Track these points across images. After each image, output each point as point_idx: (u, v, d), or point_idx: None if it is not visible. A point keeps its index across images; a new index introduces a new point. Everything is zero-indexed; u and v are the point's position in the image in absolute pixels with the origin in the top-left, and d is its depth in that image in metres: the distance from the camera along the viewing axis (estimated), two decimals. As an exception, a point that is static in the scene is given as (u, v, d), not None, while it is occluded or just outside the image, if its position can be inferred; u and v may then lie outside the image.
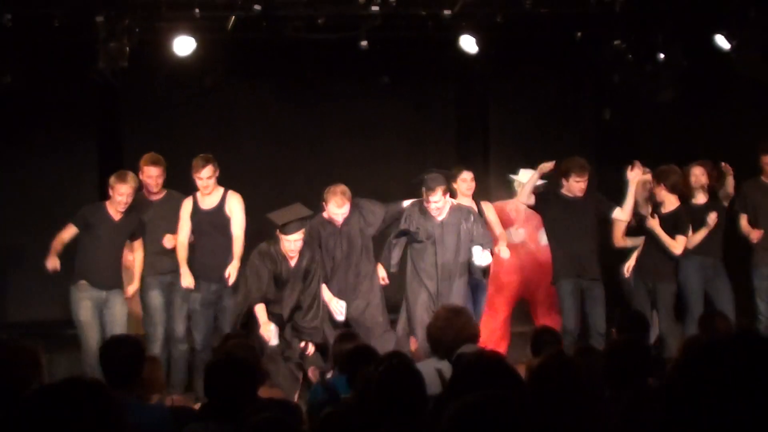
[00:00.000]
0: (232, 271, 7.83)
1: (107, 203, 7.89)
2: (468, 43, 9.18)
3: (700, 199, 8.38)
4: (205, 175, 7.90)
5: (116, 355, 4.65)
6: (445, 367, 5.11)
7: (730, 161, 8.41)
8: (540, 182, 8.39)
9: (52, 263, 7.70)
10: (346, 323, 7.74)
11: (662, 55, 9.07)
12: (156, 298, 8.10)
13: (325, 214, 7.82)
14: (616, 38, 9.20)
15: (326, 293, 7.71)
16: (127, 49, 8.12)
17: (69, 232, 7.87)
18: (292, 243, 7.42)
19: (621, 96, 9.91)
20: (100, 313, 7.81)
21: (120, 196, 7.75)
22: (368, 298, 7.91)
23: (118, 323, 7.77)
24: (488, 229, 8.16)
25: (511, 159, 10.32)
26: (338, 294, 7.79)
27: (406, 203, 8.04)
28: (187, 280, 7.92)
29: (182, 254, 7.97)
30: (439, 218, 7.79)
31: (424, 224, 7.78)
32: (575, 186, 8.14)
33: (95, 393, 2.68)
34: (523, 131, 10.84)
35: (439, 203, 7.72)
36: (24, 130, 10.02)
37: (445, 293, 7.72)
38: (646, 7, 8.87)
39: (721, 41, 8.72)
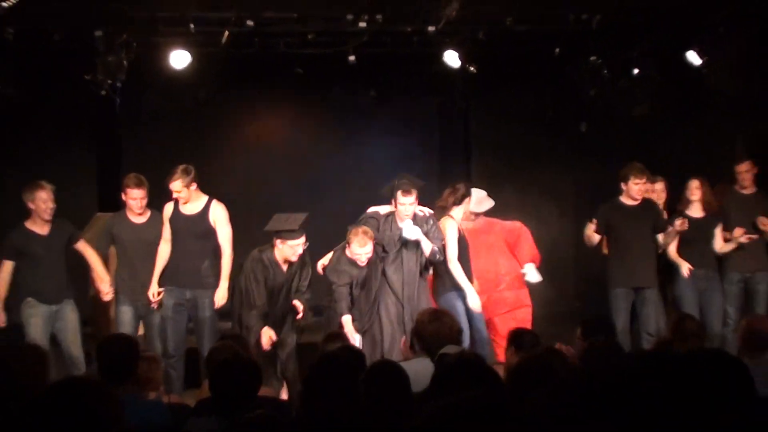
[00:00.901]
0: (221, 295, 7.68)
1: (27, 223, 7.60)
2: (452, 59, 9.32)
3: (696, 212, 8.37)
4: (175, 189, 7.66)
5: (110, 352, 4.65)
6: None
7: (702, 172, 8.52)
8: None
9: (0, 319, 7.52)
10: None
11: (637, 71, 9.25)
12: (125, 313, 7.84)
13: (348, 253, 7.56)
14: (592, 54, 9.35)
15: (348, 325, 7.45)
16: (125, 62, 8.24)
17: (6, 267, 7.60)
18: (295, 248, 7.38)
19: (597, 110, 9.98)
20: (51, 327, 7.60)
21: (43, 203, 7.48)
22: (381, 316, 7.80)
23: (70, 330, 7.57)
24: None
25: (492, 171, 10.45)
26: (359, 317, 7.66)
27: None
28: (150, 291, 7.75)
29: (159, 267, 7.80)
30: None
31: (393, 235, 7.74)
32: (634, 189, 8.16)
33: (96, 389, 3.01)
34: (504, 143, 10.94)
35: (413, 206, 7.67)
36: (24, 142, 10.05)
37: (413, 296, 7.71)
38: (622, 24, 8.98)
39: (693, 57, 8.93)
